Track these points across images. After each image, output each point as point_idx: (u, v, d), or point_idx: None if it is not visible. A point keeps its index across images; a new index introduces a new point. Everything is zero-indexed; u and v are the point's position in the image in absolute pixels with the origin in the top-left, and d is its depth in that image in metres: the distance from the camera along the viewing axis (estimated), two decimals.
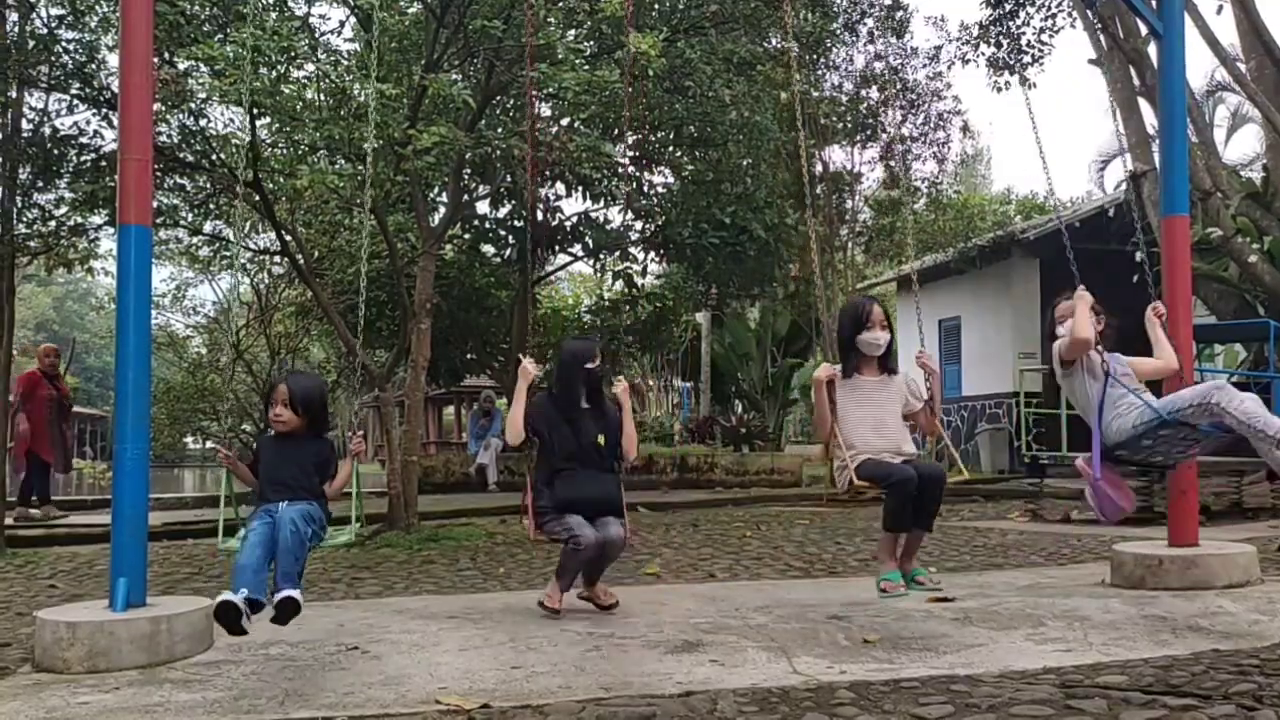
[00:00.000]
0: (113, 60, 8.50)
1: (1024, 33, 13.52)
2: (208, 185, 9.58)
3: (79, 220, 9.11)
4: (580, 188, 11.35)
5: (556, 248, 13.27)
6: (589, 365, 5.24)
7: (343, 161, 9.07)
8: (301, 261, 10.01)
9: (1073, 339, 4.90)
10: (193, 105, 8.51)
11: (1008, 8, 13.36)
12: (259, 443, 4.62)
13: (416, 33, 8.96)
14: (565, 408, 5.22)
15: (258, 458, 4.60)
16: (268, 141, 9.01)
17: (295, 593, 3.98)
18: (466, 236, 12.97)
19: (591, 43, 9.18)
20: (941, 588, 5.09)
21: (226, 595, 3.91)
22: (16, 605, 6.02)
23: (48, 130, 8.95)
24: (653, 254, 13.04)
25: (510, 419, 5.26)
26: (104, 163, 8.71)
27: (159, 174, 8.66)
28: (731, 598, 5.71)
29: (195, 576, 6.98)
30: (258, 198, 8.79)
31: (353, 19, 9.24)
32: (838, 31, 13.86)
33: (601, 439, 5.17)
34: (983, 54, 14.23)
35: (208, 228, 11.40)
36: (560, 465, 5.10)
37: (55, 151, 8.81)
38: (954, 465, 5.19)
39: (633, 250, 12.68)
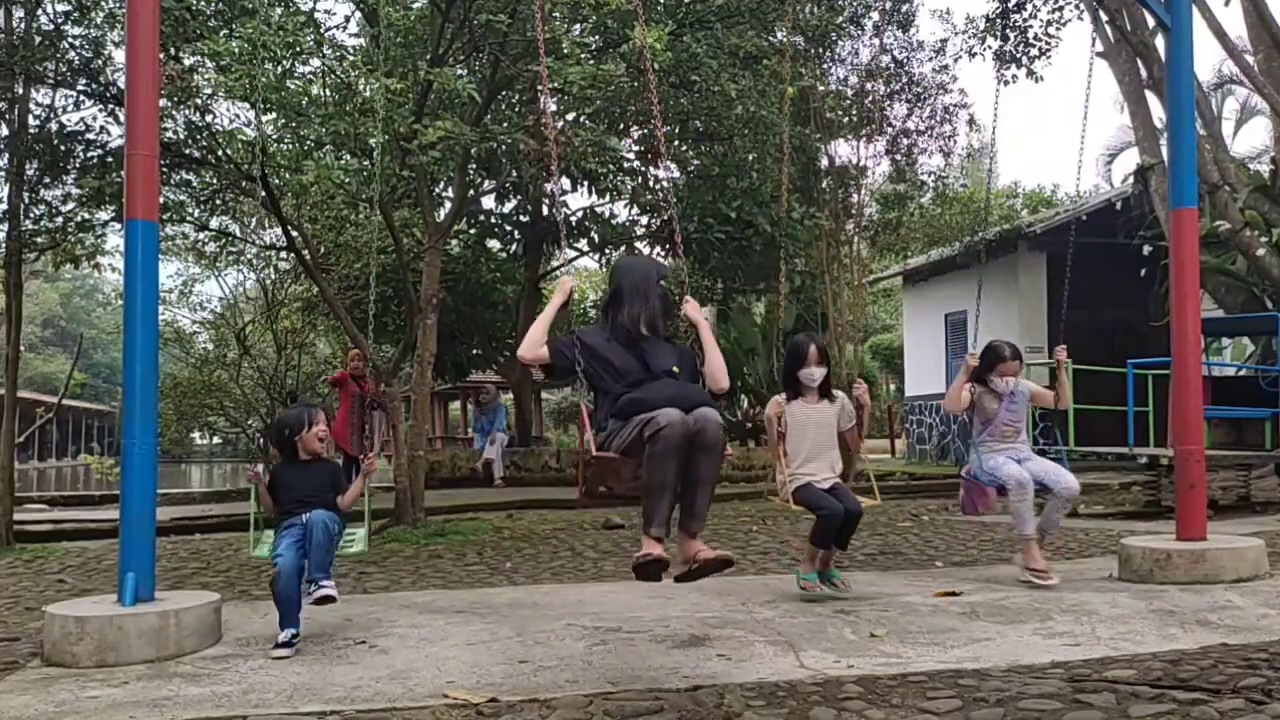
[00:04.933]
0: (119, 56, 8.52)
1: (1031, 26, 13.45)
2: (214, 181, 9.59)
3: (86, 216, 9.13)
4: (586, 183, 11.34)
5: (562, 242, 13.28)
6: (662, 282, 4.33)
7: (348, 157, 9.07)
8: (308, 257, 10.02)
9: (946, 407, 6.23)
10: (199, 101, 8.53)
11: (1014, 1, 13.30)
12: (276, 471, 4.96)
13: (422, 27, 8.95)
14: (629, 336, 4.16)
15: (275, 483, 4.90)
16: (273, 137, 9.00)
17: (331, 588, 4.47)
18: (472, 231, 12.99)
19: (597, 37, 9.16)
20: (850, 589, 5.58)
21: (283, 641, 4.34)
22: (25, 600, 6.04)
23: (54, 126, 8.97)
24: (658, 248, 13.04)
25: (532, 328, 4.20)
26: (110, 158, 8.72)
27: (165, 169, 8.67)
28: (738, 592, 5.72)
29: (203, 571, 7.00)
30: (264, 193, 8.79)
31: (358, 14, 9.23)
32: (843, 25, 13.78)
33: (676, 369, 4.12)
34: (989, 47, 14.18)
35: (214, 223, 11.43)
36: (625, 390, 3.98)
37: (62, 147, 8.83)
38: (870, 488, 6.02)
39: (638, 245, 12.68)
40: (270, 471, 5.00)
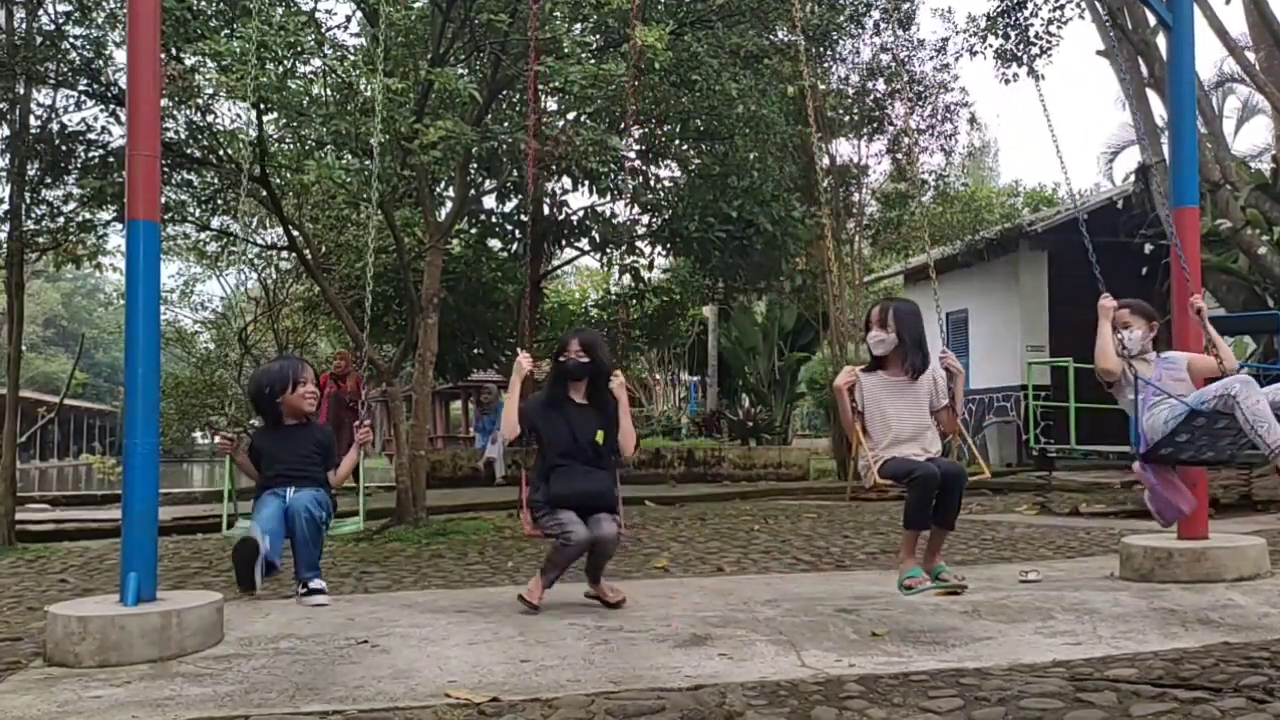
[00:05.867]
0: (120, 56, 8.52)
1: (1032, 24, 13.44)
2: (215, 180, 9.60)
3: (87, 216, 9.14)
4: (587, 182, 11.33)
5: (563, 242, 13.25)
6: (560, 357, 5.20)
7: (349, 156, 9.07)
8: (309, 256, 10.02)
9: (1097, 368, 5.00)
10: (200, 101, 8.53)
11: None
12: (255, 436, 4.51)
13: (422, 27, 8.95)
14: (559, 404, 5.19)
15: (257, 451, 4.52)
16: (274, 137, 9.01)
17: (322, 587, 4.25)
18: (473, 231, 12.96)
19: (598, 36, 9.16)
20: (966, 584, 4.94)
21: (251, 532, 3.84)
22: (28, 600, 6.05)
23: (56, 126, 8.98)
24: (659, 248, 13.02)
25: (505, 413, 5.25)
26: (112, 158, 8.73)
27: (166, 169, 8.67)
28: (740, 591, 5.71)
29: (205, 571, 7.00)
30: (265, 193, 8.80)
31: (359, 13, 9.23)
32: (844, 24, 13.76)
33: (600, 435, 5.13)
34: (990, 46, 14.17)
35: (215, 223, 11.43)
36: (556, 462, 5.07)
37: (63, 148, 8.84)
38: (974, 462, 5.18)
39: (639, 244, 12.67)
40: (251, 439, 4.55)
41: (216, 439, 4.77)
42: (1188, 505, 4.92)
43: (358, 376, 10.05)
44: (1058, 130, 5.80)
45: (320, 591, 4.30)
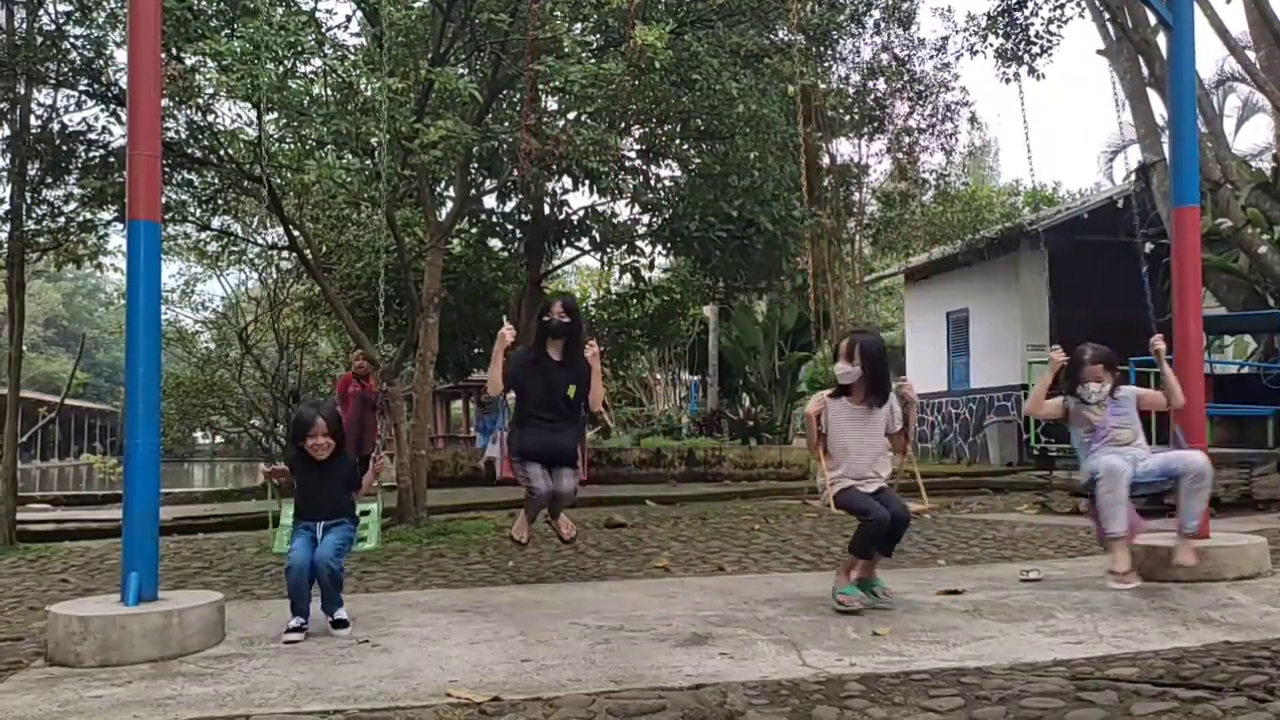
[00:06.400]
0: (121, 56, 8.53)
1: (1032, 23, 13.45)
2: (216, 180, 9.60)
3: (88, 216, 9.14)
4: (587, 181, 11.33)
5: (564, 241, 13.25)
6: (544, 316, 5.81)
7: (350, 156, 9.08)
8: (309, 256, 10.02)
9: (1028, 412, 5.89)
10: (200, 100, 8.53)
11: None
12: (293, 467, 5.12)
13: (423, 27, 8.95)
14: (538, 360, 5.76)
15: (295, 479, 5.12)
16: (275, 136, 9.01)
17: (345, 616, 4.79)
18: (474, 231, 12.96)
19: (598, 36, 9.15)
20: (892, 602, 5.15)
21: (292, 627, 4.65)
22: (29, 600, 6.05)
23: (56, 127, 8.98)
24: (660, 247, 13.02)
25: (490, 371, 5.76)
26: (112, 158, 8.73)
27: (167, 169, 8.68)
28: (740, 591, 5.71)
29: (206, 571, 7.00)
30: (265, 193, 8.79)
31: (359, 13, 9.24)
32: (844, 23, 13.77)
33: (572, 391, 5.72)
34: (991, 45, 14.17)
35: (216, 223, 11.44)
36: (531, 412, 5.68)
37: (64, 148, 8.83)
38: (919, 491, 5.53)
39: (640, 244, 12.66)
40: (290, 465, 5.17)
41: (264, 468, 6.01)
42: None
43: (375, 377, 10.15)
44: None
45: (344, 623, 4.75)
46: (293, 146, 9.04)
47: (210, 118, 8.94)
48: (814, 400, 5.29)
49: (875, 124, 16.23)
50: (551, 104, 10.39)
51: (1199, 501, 5.32)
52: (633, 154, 11.43)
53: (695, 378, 27.59)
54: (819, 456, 5.17)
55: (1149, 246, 14.48)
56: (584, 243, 12.93)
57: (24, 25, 8.78)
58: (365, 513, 5.47)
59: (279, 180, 9.05)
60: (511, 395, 5.82)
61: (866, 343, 5.13)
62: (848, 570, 5.14)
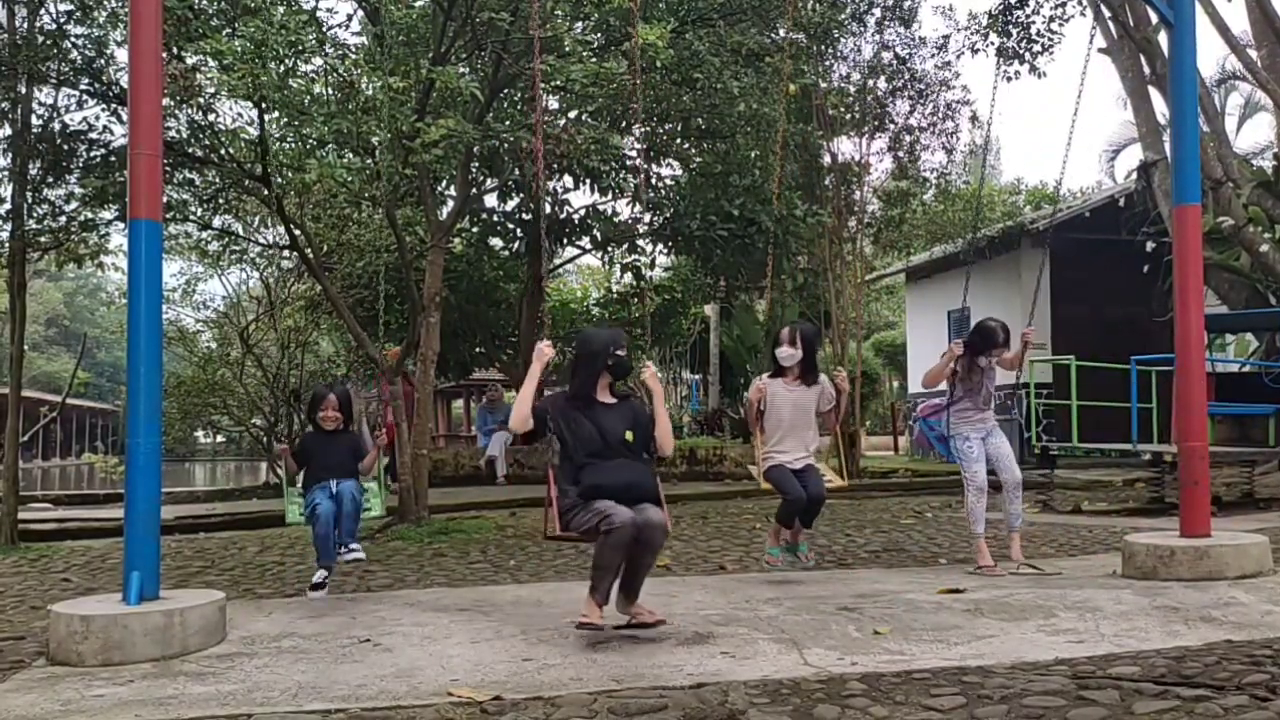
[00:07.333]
0: (122, 55, 8.52)
1: (1033, 21, 13.43)
2: (217, 180, 9.59)
3: (89, 215, 9.13)
4: (589, 180, 11.32)
5: (565, 240, 13.24)
6: (619, 352, 4.71)
7: (351, 155, 9.07)
8: (310, 255, 10.02)
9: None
10: (201, 100, 8.52)
11: None
12: (305, 438, 6.08)
13: (424, 26, 8.95)
14: (586, 403, 4.68)
15: (304, 449, 5.97)
16: (276, 136, 9.01)
17: (361, 552, 5.69)
18: (475, 230, 12.95)
19: (599, 35, 9.15)
20: (812, 564, 6.20)
21: (316, 583, 5.63)
22: (31, 599, 6.06)
23: (57, 126, 8.98)
24: (661, 246, 13.01)
25: (518, 404, 4.77)
26: (114, 158, 8.73)
27: (168, 169, 8.67)
28: (742, 590, 5.72)
29: (208, 570, 7.01)
30: (266, 192, 8.79)
31: (360, 12, 9.23)
32: (845, 22, 13.74)
33: (630, 435, 4.63)
34: (992, 43, 14.15)
35: (217, 222, 11.42)
36: (585, 461, 4.55)
37: (65, 147, 8.83)
38: (841, 470, 6.54)
39: (641, 243, 12.66)
40: (300, 438, 6.14)
41: (276, 448, 6.55)
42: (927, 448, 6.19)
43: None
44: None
45: (357, 552, 5.58)
46: (294, 146, 9.03)
47: (211, 117, 8.93)
48: (754, 387, 6.13)
49: (876, 122, 16.20)
50: (553, 103, 10.39)
51: (1017, 509, 6.44)
52: (634, 153, 11.43)
53: (696, 376, 27.59)
54: (756, 434, 5.99)
55: (1150, 245, 14.50)
56: (585, 241, 12.93)
57: (25, 24, 8.78)
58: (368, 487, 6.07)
59: (280, 179, 9.04)
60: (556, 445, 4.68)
61: (806, 330, 6.03)
62: (775, 534, 6.06)
